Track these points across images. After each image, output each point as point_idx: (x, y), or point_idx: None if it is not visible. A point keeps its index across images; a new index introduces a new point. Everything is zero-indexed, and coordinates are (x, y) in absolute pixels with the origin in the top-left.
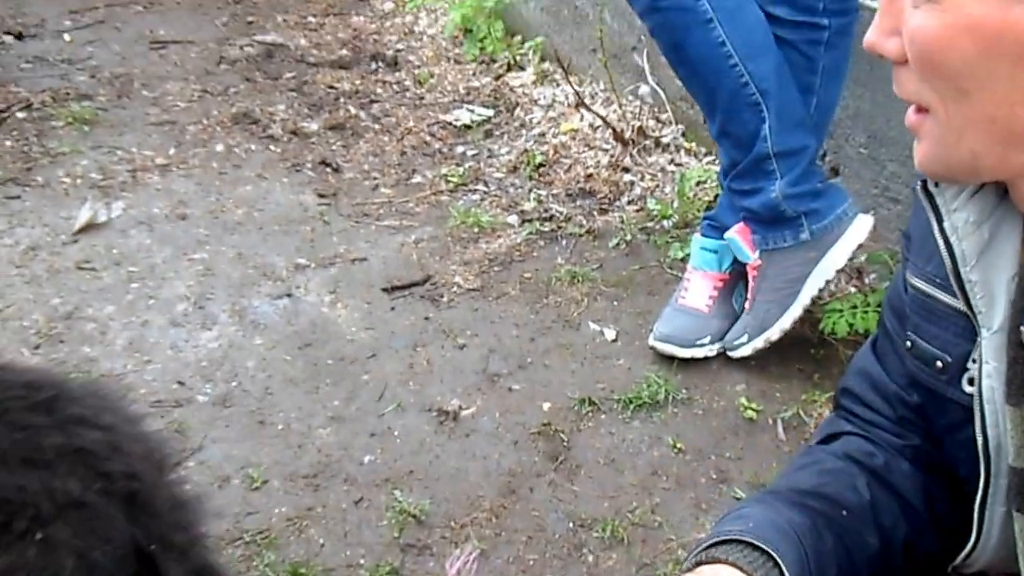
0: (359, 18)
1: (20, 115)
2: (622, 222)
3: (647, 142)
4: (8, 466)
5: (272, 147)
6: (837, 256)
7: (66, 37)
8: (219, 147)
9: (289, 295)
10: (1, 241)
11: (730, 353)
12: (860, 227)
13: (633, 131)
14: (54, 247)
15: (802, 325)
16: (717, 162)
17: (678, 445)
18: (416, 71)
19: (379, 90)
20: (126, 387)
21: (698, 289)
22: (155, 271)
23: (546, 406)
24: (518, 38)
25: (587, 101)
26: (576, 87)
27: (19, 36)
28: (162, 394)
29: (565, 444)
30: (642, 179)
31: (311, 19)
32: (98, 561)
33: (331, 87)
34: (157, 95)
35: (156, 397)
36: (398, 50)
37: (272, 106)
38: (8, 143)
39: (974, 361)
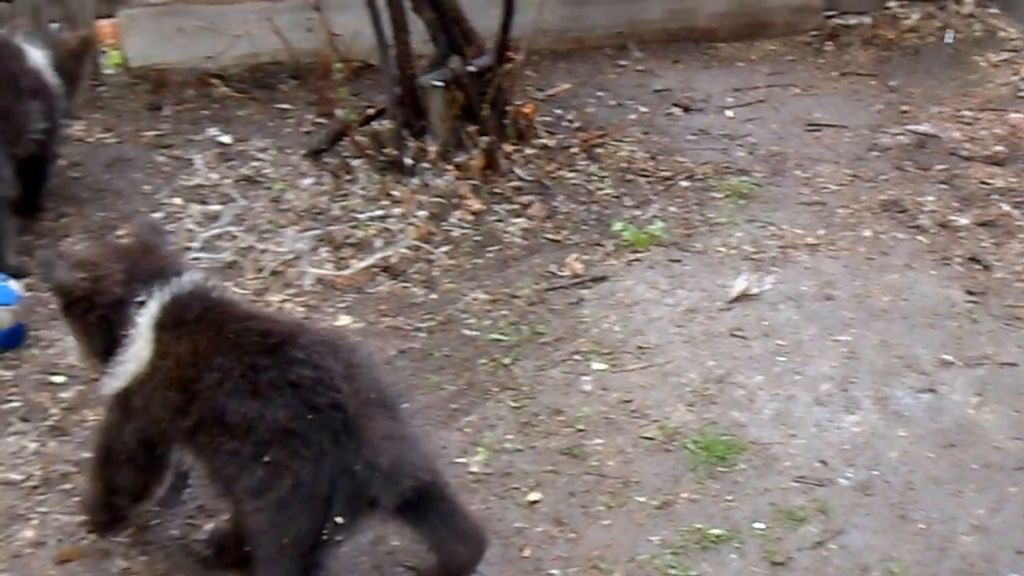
0: (1018, 114)
1: (684, 184)
2: None
3: None
4: (235, 396)
5: (919, 237)
6: None
7: (728, 113)
8: (866, 232)
9: (933, 390)
10: (664, 301)
11: None
12: None
13: None
14: (710, 311)
15: None
16: None
17: None
18: None
19: None
20: (770, 457)
21: None
22: (801, 347)
23: None
24: None
25: None
26: None
27: (687, 109)
28: (805, 470)
29: None
30: None
31: (966, 112)
32: (310, 480)
33: (984, 182)
34: (809, 176)
35: (799, 472)
36: None
37: (921, 196)
38: (672, 209)
39: None
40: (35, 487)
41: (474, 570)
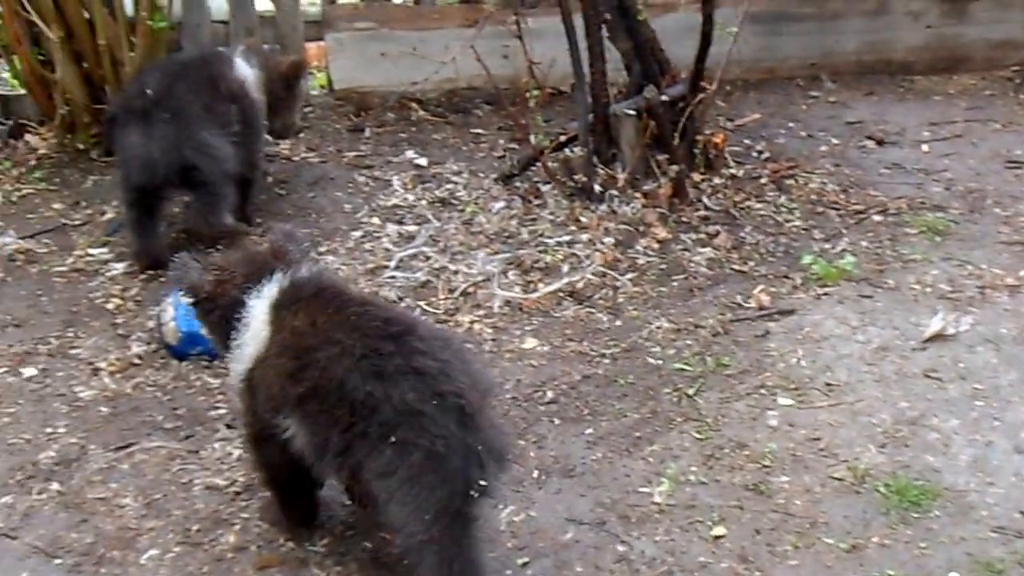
0: None
1: (876, 218)
2: None
3: None
4: (357, 375)
5: None
6: None
7: (924, 147)
8: None
9: None
10: (854, 337)
11: None
12: None
13: None
14: (903, 351)
15: None
16: None
17: None
18: None
19: None
20: (966, 505)
21: None
22: (1000, 392)
23: None
24: None
25: None
26: None
27: (880, 142)
28: (1004, 520)
29: None
30: None
31: None
32: (442, 453)
33: None
34: (1010, 214)
35: (998, 522)
36: None
37: None
38: (864, 243)
39: None
40: (238, 493)
41: None
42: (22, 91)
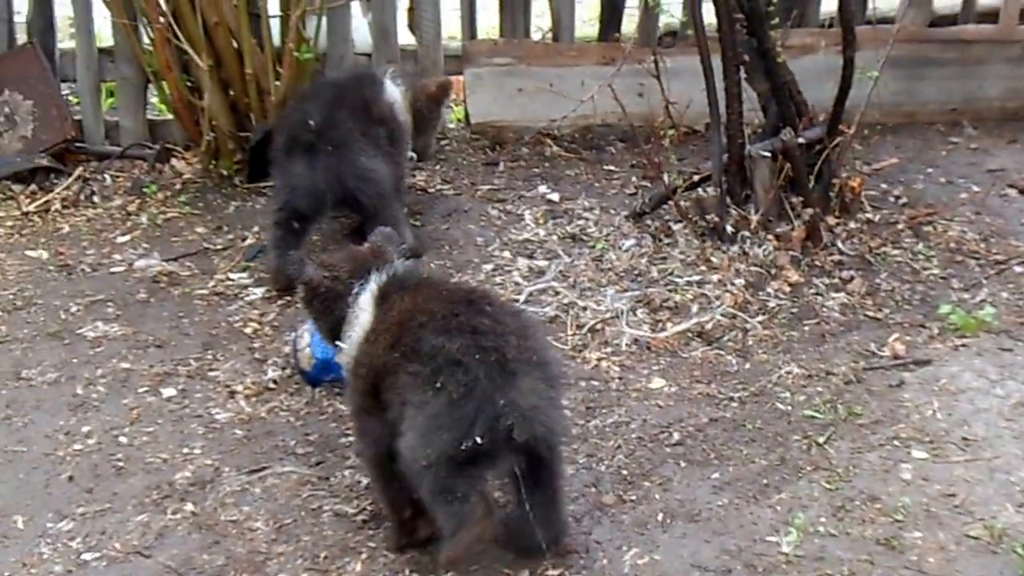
0: None
1: (1018, 269)
2: None
3: None
4: (432, 331)
5: None
6: None
7: None
8: None
9: None
10: (993, 391)
11: None
12: None
13: None
14: None
15: None
16: None
17: None
18: None
19: None
20: None
21: None
22: None
23: None
24: None
25: None
26: None
27: (1022, 191)
28: None
29: None
30: None
31: None
32: (470, 413)
33: None
34: None
35: None
36: None
37: None
38: (1004, 295)
39: None
40: (366, 521)
41: (533, 555)
42: (169, 116)
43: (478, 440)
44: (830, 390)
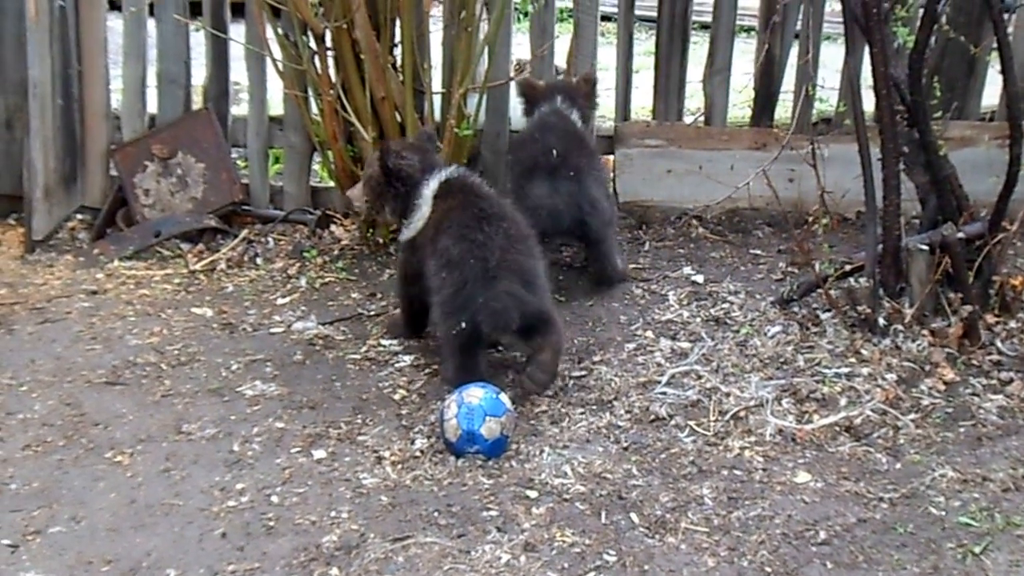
0: None
1: None
2: None
3: None
4: (450, 235)
5: None
6: None
7: None
8: None
9: None
10: None
11: None
12: None
13: None
14: None
15: None
16: None
17: None
18: None
19: None
20: None
21: None
22: None
23: None
24: None
25: None
26: None
27: None
28: None
29: None
30: None
31: None
32: (454, 293)
33: None
34: None
35: None
36: None
37: None
38: None
39: None
40: None
41: (537, 391)
42: (331, 184)
43: (463, 325)
44: (987, 497)
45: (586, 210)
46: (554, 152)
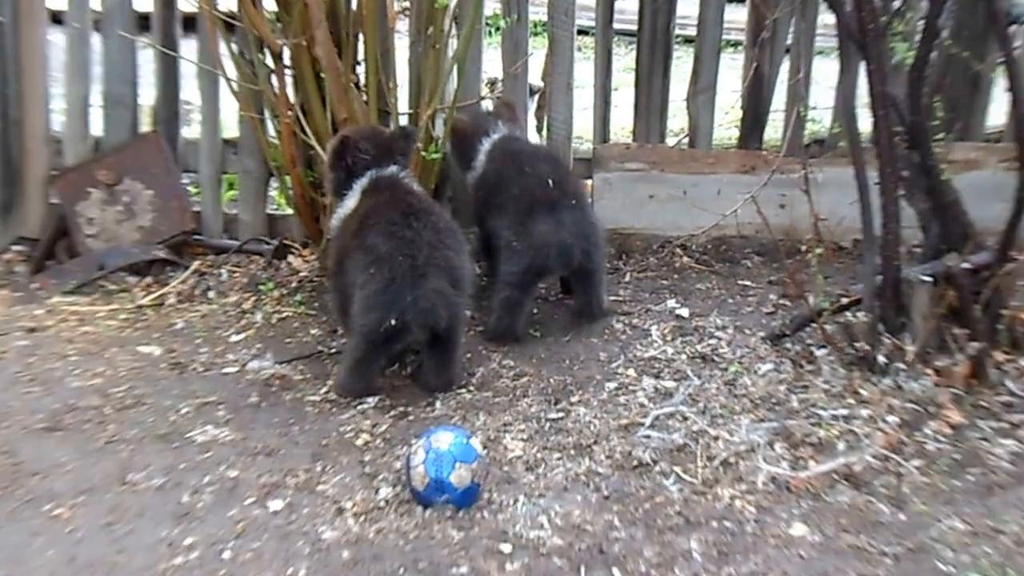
0: None
1: None
2: None
3: None
4: (376, 232)
5: None
6: None
7: None
8: None
9: None
10: None
11: None
12: None
13: None
14: None
15: None
16: None
17: None
18: None
19: None
20: None
21: None
22: None
23: None
24: None
25: None
26: None
27: None
28: None
29: None
30: None
31: None
32: (381, 290)
33: None
34: None
35: None
36: None
37: None
38: None
39: None
40: None
41: (431, 392)
42: (289, 212)
43: (392, 322)
44: (999, 551)
45: (592, 240)
46: (550, 181)
